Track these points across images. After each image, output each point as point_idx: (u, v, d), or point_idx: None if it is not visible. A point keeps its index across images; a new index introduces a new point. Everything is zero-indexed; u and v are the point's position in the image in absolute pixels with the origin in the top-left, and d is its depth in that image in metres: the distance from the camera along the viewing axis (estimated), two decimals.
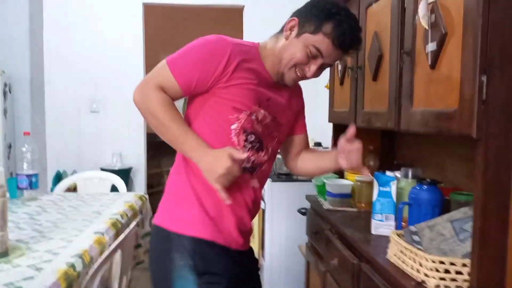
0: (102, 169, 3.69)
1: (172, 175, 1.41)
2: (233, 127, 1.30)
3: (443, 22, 1.15)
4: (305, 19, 1.28)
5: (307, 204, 2.28)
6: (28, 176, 2.30)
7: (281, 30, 1.35)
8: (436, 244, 1.22)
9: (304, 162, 1.54)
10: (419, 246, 1.22)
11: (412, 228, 1.32)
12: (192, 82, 1.27)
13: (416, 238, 1.28)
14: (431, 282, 1.10)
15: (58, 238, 1.69)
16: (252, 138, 1.33)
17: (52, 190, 3.50)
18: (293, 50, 1.29)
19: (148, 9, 3.99)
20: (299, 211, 2.44)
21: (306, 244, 2.27)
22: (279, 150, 1.51)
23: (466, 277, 1.08)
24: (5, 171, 3.14)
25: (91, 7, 3.83)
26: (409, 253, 1.19)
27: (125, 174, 3.78)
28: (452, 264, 1.09)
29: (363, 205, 1.92)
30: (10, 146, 3.49)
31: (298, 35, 1.28)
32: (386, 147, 2.26)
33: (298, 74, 1.32)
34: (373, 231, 1.57)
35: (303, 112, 1.56)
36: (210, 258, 1.30)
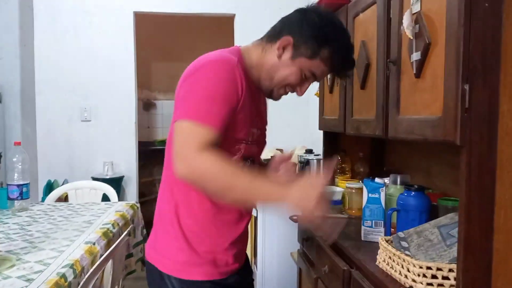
0: (94, 178, 3.68)
1: (160, 205, 1.32)
2: (234, 158, 1.23)
3: (427, 32, 1.18)
4: (301, 40, 1.20)
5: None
6: (19, 186, 2.29)
7: (268, 39, 1.27)
8: (424, 249, 1.24)
9: None
10: (407, 252, 1.24)
11: (401, 234, 1.34)
12: (225, 121, 1.14)
13: (404, 244, 1.30)
14: (418, 287, 1.12)
15: (49, 248, 1.69)
16: (248, 163, 1.29)
17: (43, 199, 3.48)
18: (287, 72, 1.23)
19: (139, 18, 4.01)
20: (291, 218, 2.45)
21: (297, 251, 2.28)
22: None
23: (453, 282, 1.10)
24: None
25: (82, 16, 3.83)
26: (398, 259, 1.21)
27: (116, 183, 3.77)
28: (439, 269, 1.11)
29: (353, 211, 1.94)
30: (0, 156, 3.47)
31: (294, 57, 1.21)
32: (375, 154, 2.29)
33: (287, 91, 1.29)
34: (363, 238, 1.59)
35: None
36: None
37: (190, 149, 1.08)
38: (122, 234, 1.83)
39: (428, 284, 1.11)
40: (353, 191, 1.94)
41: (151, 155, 4.79)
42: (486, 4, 1.01)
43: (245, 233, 1.36)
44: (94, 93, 3.88)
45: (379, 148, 2.29)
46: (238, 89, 1.16)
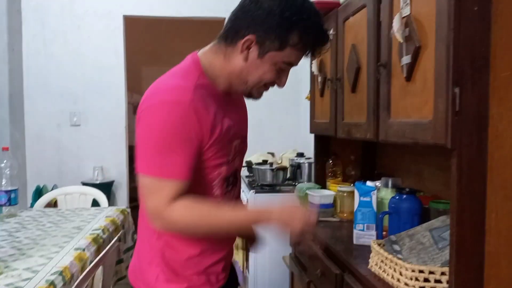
0: (84, 183, 3.65)
1: (141, 234, 1.25)
2: (214, 183, 1.17)
3: (417, 36, 1.18)
4: (264, 35, 1.08)
5: None
6: (7, 192, 2.27)
7: (225, 41, 1.14)
8: (416, 253, 1.24)
9: None
10: (399, 256, 1.23)
11: (393, 237, 1.34)
12: (191, 168, 1.08)
13: (396, 247, 1.30)
14: None
15: (37, 255, 1.67)
16: (230, 180, 1.22)
17: (32, 205, 3.44)
18: (260, 72, 1.13)
19: (129, 22, 3.99)
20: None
21: (290, 255, 2.28)
22: None
23: (445, 285, 1.10)
24: None
25: (71, 20, 3.81)
26: (390, 262, 1.20)
27: (107, 188, 3.75)
28: (431, 272, 1.11)
29: (345, 215, 1.94)
30: None
31: (261, 55, 1.10)
32: (367, 157, 2.29)
33: (267, 87, 1.20)
34: (355, 241, 1.59)
35: None
36: None
37: (161, 206, 1.05)
38: (112, 239, 1.81)
39: (421, 287, 1.11)
40: (345, 194, 1.94)
41: None
42: (475, 8, 1.01)
43: (232, 242, 1.34)
44: (83, 98, 3.85)
45: (370, 151, 2.29)
46: (197, 127, 1.07)
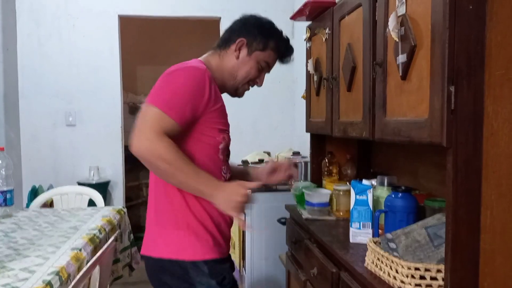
0: (79, 183, 3.64)
1: (159, 209, 1.45)
2: (220, 146, 1.44)
3: (412, 35, 1.19)
4: (252, 38, 1.47)
5: (286, 214, 2.30)
6: (2, 192, 2.25)
7: (220, 47, 1.51)
8: (411, 250, 1.24)
9: None
10: (395, 253, 1.24)
11: (388, 235, 1.35)
12: (188, 119, 1.33)
13: (392, 245, 1.30)
14: None
15: (34, 255, 1.66)
16: (227, 152, 1.50)
17: (28, 205, 3.43)
18: (247, 68, 1.49)
19: (124, 21, 3.98)
20: (279, 220, 2.45)
21: (286, 253, 2.28)
22: None
23: (441, 282, 1.11)
24: None
25: (66, 20, 3.79)
26: (386, 260, 1.21)
27: (103, 187, 3.74)
28: (427, 270, 1.12)
29: (341, 213, 1.94)
30: None
31: (250, 53, 1.48)
32: (362, 156, 2.30)
33: (250, 85, 1.55)
34: (351, 239, 1.59)
35: None
36: (223, 272, 1.44)
37: (156, 131, 1.26)
38: (109, 239, 1.81)
39: (417, 285, 1.12)
40: (341, 193, 1.94)
41: (137, 159, 4.74)
42: (470, 7, 1.02)
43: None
44: (78, 97, 3.84)
45: (366, 150, 2.30)
46: (206, 92, 1.35)
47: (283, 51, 1.53)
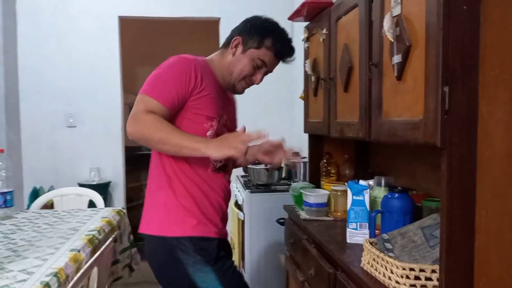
0: (80, 184, 3.65)
1: (154, 191, 1.61)
2: (208, 133, 1.51)
3: (407, 35, 1.19)
4: (248, 36, 1.54)
5: (285, 214, 2.30)
6: (3, 194, 2.26)
7: (224, 46, 1.61)
8: (407, 251, 1.25)
9: None
10: (390, 254, 1.24)
11: (385, 235, 1.35)
12: (174, 100, 1.43)
13: (388, 245, 1.30)
14: None
15: (33, 257, 1.67)
16: None
17: (28, 207, 3.44)
18: (241, 64, 1.56)
19: (124, 22, 3.99)
20: (278, 221, 2.45)
21: (285, 254, 2.28)
22: None
23: (436, 282, 1.11)
24: None
25: (66, 21, 3.80)
26: (381, 260, 1.21)
27: (103, 188, 3.75)
28: (422, 270, 1.12)
29: (339, 213, 1.94)
30: None
31: (244, 51, 1.55)
32: (360, 156, 2.29)
33: (247, 83, 1.60)
34: (349, 240, 1.59)
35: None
36: (210, 249, 1.53)
37: (139, 112, 1.40)
38: (107, 240, 1.82)
39: (412, 285, 1.12)
40: (339, 193, 1.94)
41: (138, 160, 4.76)
42: (464, 7, 1.02)
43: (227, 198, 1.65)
44: (79, 99, 3.85)
45: (363, 150, 2.30)
46: (192, 78, 1.44)
47: (279, 50, 1.56)
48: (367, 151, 2.30)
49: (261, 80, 1.61)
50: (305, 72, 2.28)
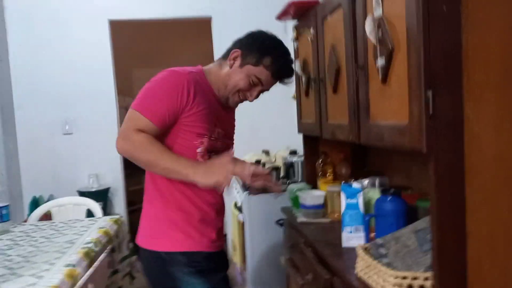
0: (79, 191, 3.65)
1: (146, 203, 1.61)
2: (198, 150, 1.49)
3: (390, 38, 1.16)
4: (247, 51, 1.49)
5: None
6: None
7: (223, 56, 1.56)
8: (401, 256, 1.22)
9: None
10: (384, 260, 1.22)
11: (379, 241, 1.33)
12: (165, 118, 1.41)
13: (382, 251, 1.28)
14: None
15: (28, 274, 1.66)
16: (214, 155, 1.53)
17: (29, 215, 3.44)
18: (237, 78, 1.51)
19: (116, 26, 3.95)
20: (277, 222, 2.44)
21: (285, 257, 2.27)
22: None
23: None
24: None
25: (56, 28, 3.77)
26: (374, 268, 1.19)
27: (103, 194, 3.74)
28: (414, 278, 1.10)
29: (336, 215, 1.92)
30: None
31: (242, 65, 1.50)
32: (356, 155, 2.26)
33: (241, 98, 1.55)
34: (344, 244, 1.57)
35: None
36: (202, 263, 1.52)
37: (129, 130, 1.38)
38: (101, 254, 1.80)
39: None
40: (335, 194, 1.91)
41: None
42: (444, 8, 0.99)
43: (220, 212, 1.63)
44: (74, 105, 3.83)
45: (360, 149, 2.27)
46: (184, 94, 1.41)
47: (277, 70, 1.51)
48: (364, 149, 2.27)
49: (256, 97, 1.56)
50: (295, 72, 2.24)
